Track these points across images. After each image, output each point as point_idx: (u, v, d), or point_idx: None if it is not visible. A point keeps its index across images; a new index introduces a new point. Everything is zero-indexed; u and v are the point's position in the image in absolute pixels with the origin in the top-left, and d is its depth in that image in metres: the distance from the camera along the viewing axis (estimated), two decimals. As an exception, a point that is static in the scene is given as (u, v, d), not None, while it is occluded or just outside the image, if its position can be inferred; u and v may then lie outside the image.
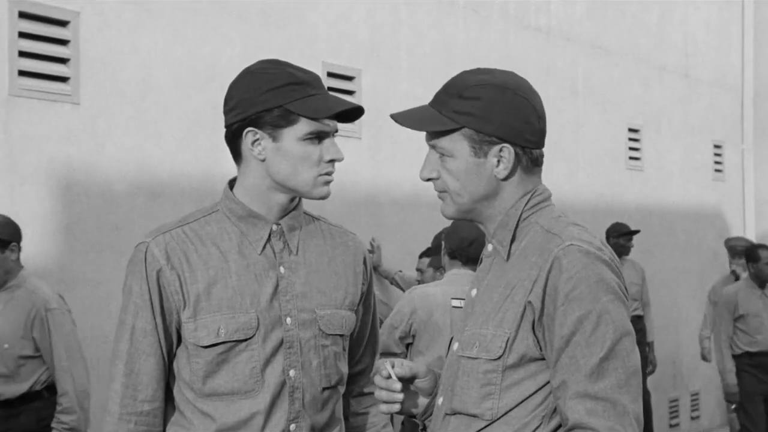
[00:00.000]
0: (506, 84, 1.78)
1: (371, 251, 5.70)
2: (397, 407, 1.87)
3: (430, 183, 1.85)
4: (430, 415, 1.92)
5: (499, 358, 1.71)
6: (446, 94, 1.80)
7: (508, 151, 1.76)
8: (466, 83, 1.79)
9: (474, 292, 1.84)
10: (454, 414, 1.77)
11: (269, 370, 2.00)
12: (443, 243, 4.30)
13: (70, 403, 3.92)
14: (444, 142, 1.78)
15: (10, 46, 4.19)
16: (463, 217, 1.85)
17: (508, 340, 1.71)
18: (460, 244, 4.19)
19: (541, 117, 1.81)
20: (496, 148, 1.76)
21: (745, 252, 6.99)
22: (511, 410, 1.70)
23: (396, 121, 1.82)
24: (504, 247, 1.79)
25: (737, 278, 7.63)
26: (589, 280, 1.65)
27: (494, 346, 1.72)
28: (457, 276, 4.21)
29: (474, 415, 1.73)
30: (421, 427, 1.95)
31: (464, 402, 1.75)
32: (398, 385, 1.84)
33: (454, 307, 4.14)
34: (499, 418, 1.71)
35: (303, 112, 1.96)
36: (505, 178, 1.78)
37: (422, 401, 1.92)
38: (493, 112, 1.75)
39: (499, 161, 1.77)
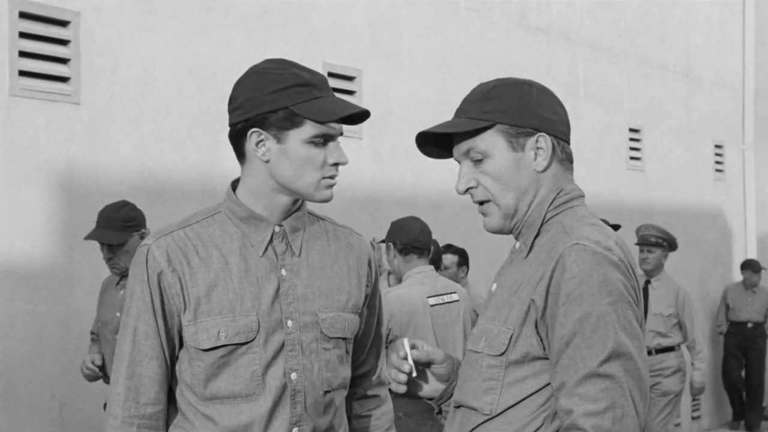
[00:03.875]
0: (526, 81, 1.82)
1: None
2: (402, 389, 1.88)
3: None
4: (447, 400, 1.92)
5: (502, 354, 1.71)
6: (469, 102, 1.82)
7: (545, 140, 1.77)
8: (486, 87, 1.81)
9: (494, 287, 1.85)
10: (459, 407, 1.78)
11: (270, 373, 1.99)
12: (390, 244, 4.31)
13: None
14: (479, 143, 1.78)
15: (10, 46, 4.18)
16: (508, 227, 1.82)
17: (511, 337, 1.71)
18: (410, 236, 4.22)
19: (565, 111, 1.83)
20: (532, 139, 1.77)
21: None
22: (511, 407, 1.70)
23: (424, 134, 1.82)
24: (527, 246, 1.79)
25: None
26: (591, 281, 1.63)
27: (498, 342, 1.72)
28: (423, 274, 4.23)
29: (474, 408, 1.74)
30: (436, 411, 1.96)
31: (466, 394, 1.76)
32: (407, 367, 1.84)
33: (432, 306, 4.16)
34: (499, 414, 1.71)
35: (309, 115, 1.95)
36: (544, 170, 1.78)
37: (440, 386, 1.93)
38: (522, 105, 1.77)
39: (536, 153, 1.77)
